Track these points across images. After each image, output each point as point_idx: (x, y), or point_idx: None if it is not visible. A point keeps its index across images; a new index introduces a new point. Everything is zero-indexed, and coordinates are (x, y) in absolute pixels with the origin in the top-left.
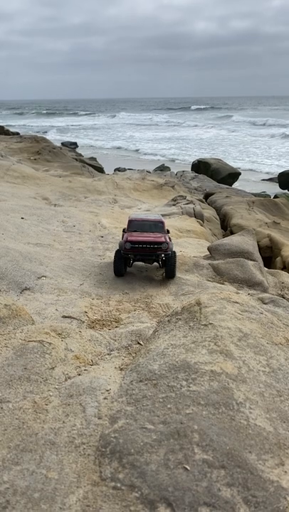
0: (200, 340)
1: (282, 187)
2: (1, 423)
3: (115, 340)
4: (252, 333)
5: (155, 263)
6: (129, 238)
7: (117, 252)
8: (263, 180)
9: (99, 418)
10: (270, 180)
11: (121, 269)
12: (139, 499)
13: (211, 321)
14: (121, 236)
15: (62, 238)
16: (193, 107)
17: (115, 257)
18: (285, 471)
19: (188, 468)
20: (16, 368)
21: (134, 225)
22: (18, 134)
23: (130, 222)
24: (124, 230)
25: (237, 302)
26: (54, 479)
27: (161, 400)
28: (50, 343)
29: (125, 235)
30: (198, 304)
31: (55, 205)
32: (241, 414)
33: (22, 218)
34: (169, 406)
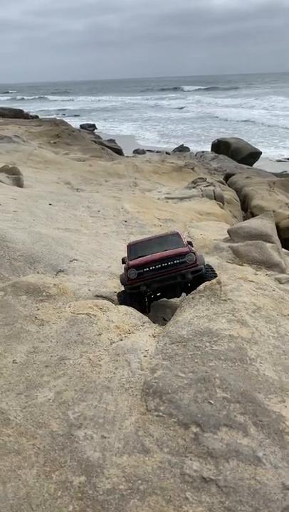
0: (220, 312)
1: None
2: (66, 373)
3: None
4: (264, 307)
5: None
6: (132, 263)
7: (121, 295)
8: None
9: (142, 370)
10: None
11: None
12: (177, 422)
13: (229, 297)
14: (123, 267)
15: (88, 223)
16: (185, 88)
17: (120, 301)
18: (286, 406)
19: (212, 402)
20: (71, 334)
21: (136, 250)
22: (37, 117)
23: (130, 247)
24: (123, 261)
25: (252, 281)
26: (112, 410)
27: (189, 356)
28: (95, 315)
29: (125, 265)
30: (219, 283)
31: (77, 189)
32: (253, 367)
33: (50, 204)
34: (196, 360)
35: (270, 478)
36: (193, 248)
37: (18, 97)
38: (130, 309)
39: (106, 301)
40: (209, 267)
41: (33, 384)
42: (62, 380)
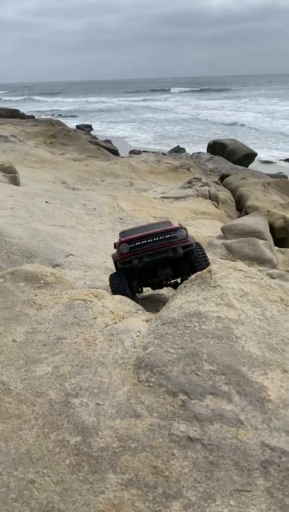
0: (209, 297)
1: None
2: (63, 351)
3: (139, 304)
4: (251, 292)
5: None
6: (124, 239)
7: (113, 276)
8: (281, 160)
9: (134, 347)
10: (287, 160)
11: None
12: (166, 391)
13: (219, 284)
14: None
15: (84, 220)
16: (173, 90)
17: (112, 283)
18: (267, 378)
19: (199, 374)
20: (68, 317)
21: (127, 235)
22: (33, 117)
23: (121, 234)
24: (115, 246)
25: (241, 270)
26: (106, 382)
27: (179, 334)
28: (90, 301)
29: (117, 242)
30: (209, 271)
31: (73, 188)
32: (238, 344)
33: (46, 202)
34: (185, 338)
35: (251, 437)
36: (184, 225)
37: (5, 98)
38: (124, 298)
39: (101, 290)
40: (198, 245)
41: (31, 360)
42: (59, 356)
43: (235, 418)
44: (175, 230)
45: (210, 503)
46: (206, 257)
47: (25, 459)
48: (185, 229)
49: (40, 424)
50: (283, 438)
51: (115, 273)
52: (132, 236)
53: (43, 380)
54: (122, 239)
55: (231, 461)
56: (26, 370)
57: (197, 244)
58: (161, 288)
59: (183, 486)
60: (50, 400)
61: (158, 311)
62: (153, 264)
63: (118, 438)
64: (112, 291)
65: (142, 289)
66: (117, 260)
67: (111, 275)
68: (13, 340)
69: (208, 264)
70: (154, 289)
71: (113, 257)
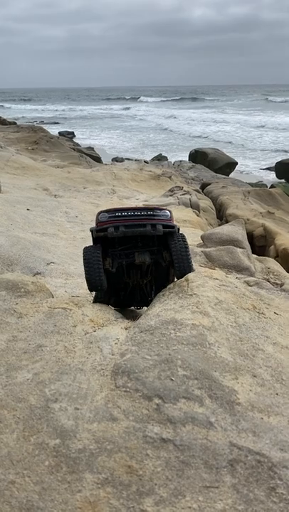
0: (186, 305)
1: (278, 176)
2: (43, 358)
3: (120, 312)
4: (225, 300)
5: None
6: (104, 210)
7: (87, 248)
8: (261, 169)
9: (112, 354)
10: (268, 169)
11: (98, 274)
12: (142, 396)
13: (195, 292)
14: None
15: (66, 228)
16: (142, 98)
17: (85, 256)
18: (238, 382)
19: (173, 379)
20: (47, 325)
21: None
22: (14, 123)
23: (99, 213)
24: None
25: (217, 279)
26: (85, 388)
27: (156, 341)
28: (70, 309)
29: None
30: (187, 280)
31: (55, 195)
32: (211, 350)
33: (28, 210)
34: (161, 345)
35: (220, 438)
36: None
37: None
38: (104, 306)
39: (81, 298)
40: (182, 236)
41: (12, 367)
42: (39, 363)
43: (206, 420)
44: (160, 209)
45: (180, 499)
46: (189, 256)
47: (6, 461)
48: (170, 211)
49: (20, 428)
50: (250, 438)
51: (90, 246)
52: (112, 208)
53: (23, 386)
54: (102, 209)
55: (201, 460)
56: (7, 376)
57: (182, 236)
58: (145, 304)
59: (155, 484)
60: (31, 405)
61: (137, 318)
62: (129, 238)
63: (95, 440)
64: (84, 265)
65: (114, 269)
66: (93, 230)
67: (85, 248)
68: None
69: (190, 266)
70: (136, 306)
71: (91, 228)
